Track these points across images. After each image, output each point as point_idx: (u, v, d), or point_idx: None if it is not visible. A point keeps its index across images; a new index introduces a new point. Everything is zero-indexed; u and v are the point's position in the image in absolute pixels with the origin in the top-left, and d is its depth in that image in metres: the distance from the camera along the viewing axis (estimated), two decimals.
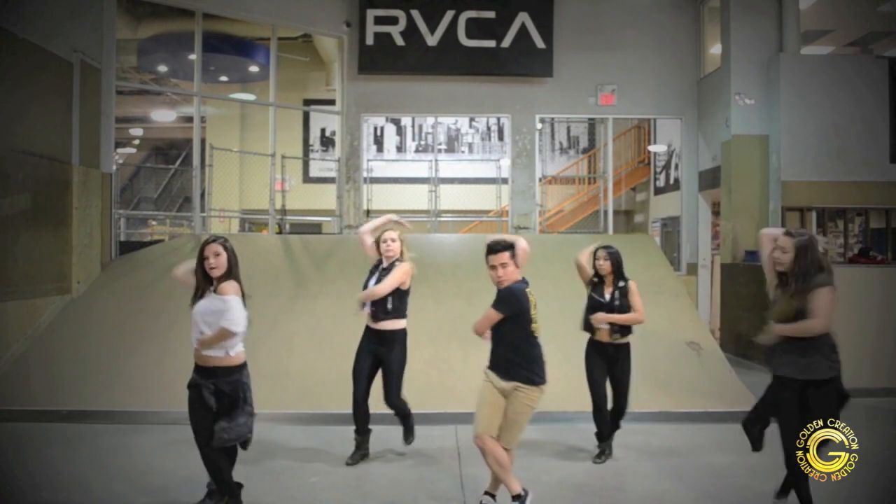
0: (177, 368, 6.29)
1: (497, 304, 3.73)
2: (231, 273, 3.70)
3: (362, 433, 4.84)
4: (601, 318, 4.81)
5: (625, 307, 4.83)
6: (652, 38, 10.70)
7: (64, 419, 5.70)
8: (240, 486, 3.76)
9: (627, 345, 4.88)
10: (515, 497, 3.68)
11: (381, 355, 4.75)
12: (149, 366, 6.36)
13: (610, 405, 4.89)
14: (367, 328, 4.82)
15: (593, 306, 4.87)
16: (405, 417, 4.89)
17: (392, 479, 4.45)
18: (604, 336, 4.84)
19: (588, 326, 4.90)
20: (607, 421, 4.88)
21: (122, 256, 8.39)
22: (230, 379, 3.63)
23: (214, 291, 3.65)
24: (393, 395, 4.76)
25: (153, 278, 7.70)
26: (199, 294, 3.70)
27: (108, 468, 4.60)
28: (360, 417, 4.80)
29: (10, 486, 4.24)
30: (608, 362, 4.87)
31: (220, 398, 3.60)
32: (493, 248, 3.72)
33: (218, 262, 3.65)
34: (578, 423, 5.52)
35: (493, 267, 3.72)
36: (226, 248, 3.70)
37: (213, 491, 3.78)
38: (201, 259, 3.67)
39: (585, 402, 5.04)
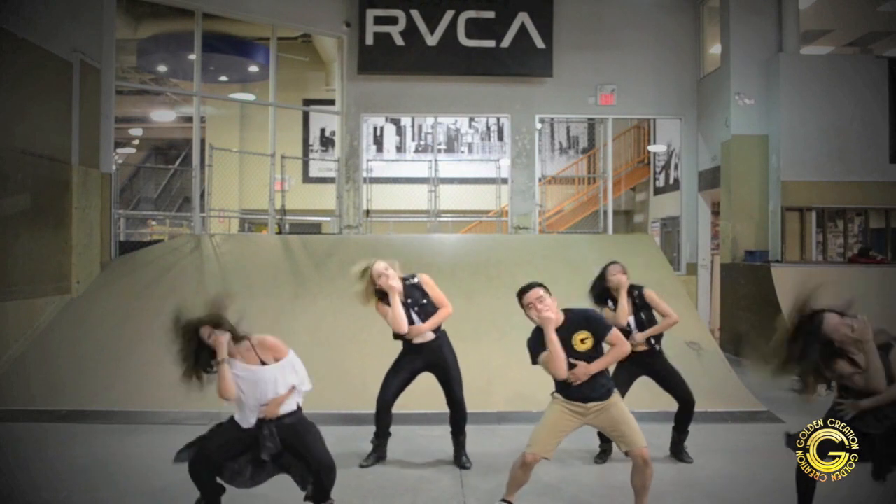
0: (176, 369, 6.31)
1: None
2: (236, 333, 3.48)
3: (383, 437, 4.77)
4: (640, 337, 4.64)
5: (651, 320, 4.72)
6: (652, 38, 10.70)
7: (63, 419, 5.70)
8: (223, 489, 3.67)
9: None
10: None
11: (435, 366, 4.64)
12: (148, 366, 6.35)
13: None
14: (412, 345, 4.61)
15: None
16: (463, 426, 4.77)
17: (392, 479, 4.45)
18: (635, 349, 4.56)
19: None
20: None
21: (121, 256, 8.39)
22: (295, 413, 3.56)
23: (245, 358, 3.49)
24: (461, 393, 4.70)
25: (153, 278, 7.70)
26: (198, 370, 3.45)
27: (108, 468, 4.59)
28: (387, 422, 4.72)
29: (10, 486, 4.23)
30: (648, 369, 4.73)
31: (288, 437, 3.48)
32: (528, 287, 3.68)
33: (222, 339, 3.41)
34: None
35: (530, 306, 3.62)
36: (222, 324, 3.44)
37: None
38: (198, 343, 3.40)
39: None
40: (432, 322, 4.58)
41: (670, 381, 4.80)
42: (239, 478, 3.55)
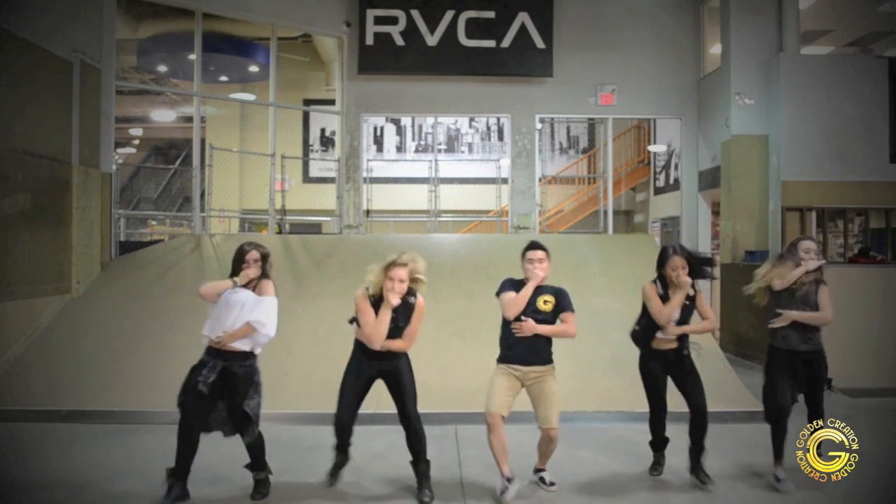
0: (176, 368, 6.25)
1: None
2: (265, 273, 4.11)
3: (344, 451, 4.38)
4: (676, 331, 4.39)
5: (688, 320, 4.50)
6: (652, 38, 10.70)
7: (63, 419, 5.70)
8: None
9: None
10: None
11: (387, 374, 4.28)
12: (148, 366, 6.36)
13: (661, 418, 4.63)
14: (368, 351, 4.20)
15: (657, 325, 4.42)
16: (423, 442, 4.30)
17: (392, 479, 4.45)
18: (662, 344, 4.46)
19: (643, 342, 4.52)
20: (664, 428, 4.60)
21: (121, 256, 8.39)
22: (245, 363, 3.90)
23: (253, 290, 4.01)
24: (414, 409, 4.32)
25: (153, 278, 7.70)
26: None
27: (108, 468, 4.59)
28: (348, 434, 4.35)
29: (10, 486, 4.23)
30: (671, 369, 4.51)
31: (228, 379, 3.84)
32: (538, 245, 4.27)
33: (250, 272, 4.05)
34: (579, 422, 5.55)
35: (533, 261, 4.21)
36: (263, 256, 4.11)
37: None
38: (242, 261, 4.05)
39: (586, 402, 4.97)
40: (390, 344, 4.19)
41: (690, 385, 4.49)
42: (224, 427, 3.98)
